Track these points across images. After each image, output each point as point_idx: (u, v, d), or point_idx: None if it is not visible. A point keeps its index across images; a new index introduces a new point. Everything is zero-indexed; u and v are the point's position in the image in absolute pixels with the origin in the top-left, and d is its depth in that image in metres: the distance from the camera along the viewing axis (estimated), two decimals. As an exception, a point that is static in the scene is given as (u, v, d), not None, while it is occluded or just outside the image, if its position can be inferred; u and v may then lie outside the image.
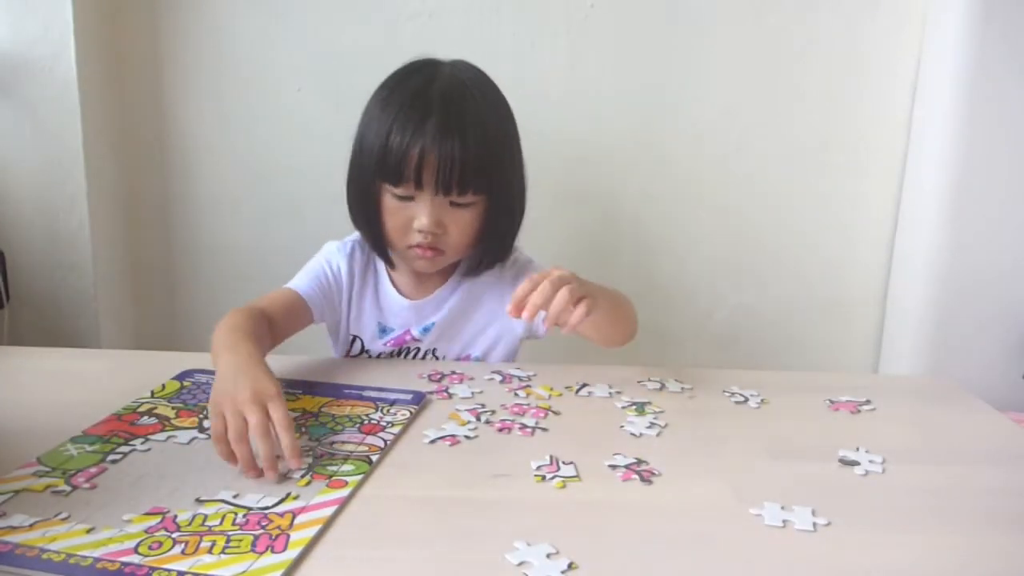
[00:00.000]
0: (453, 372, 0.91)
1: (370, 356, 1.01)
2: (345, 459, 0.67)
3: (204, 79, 1.36)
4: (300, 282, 0.97)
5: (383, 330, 1.00)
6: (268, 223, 1.42)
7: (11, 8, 1.20)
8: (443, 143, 0.85)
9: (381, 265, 1.01)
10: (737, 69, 1.35)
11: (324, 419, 0.75)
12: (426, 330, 1.00)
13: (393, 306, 1.00)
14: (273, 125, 1.37)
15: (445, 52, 1.41)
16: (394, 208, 0.90)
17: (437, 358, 1.01)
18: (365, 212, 0.92)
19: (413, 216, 0.89)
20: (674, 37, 1.34)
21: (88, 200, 1.27)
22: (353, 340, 1.01)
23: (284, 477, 0.63)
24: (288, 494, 0.61)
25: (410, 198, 0.89)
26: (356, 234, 1.01)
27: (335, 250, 1.01)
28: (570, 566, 0.53)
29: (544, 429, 0.76)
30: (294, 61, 1.35)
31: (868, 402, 0.86)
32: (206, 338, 1.43)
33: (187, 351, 1.26)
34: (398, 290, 1.00)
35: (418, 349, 1.00)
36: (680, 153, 1.39)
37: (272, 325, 0.87)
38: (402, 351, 1.00)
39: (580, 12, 1.32)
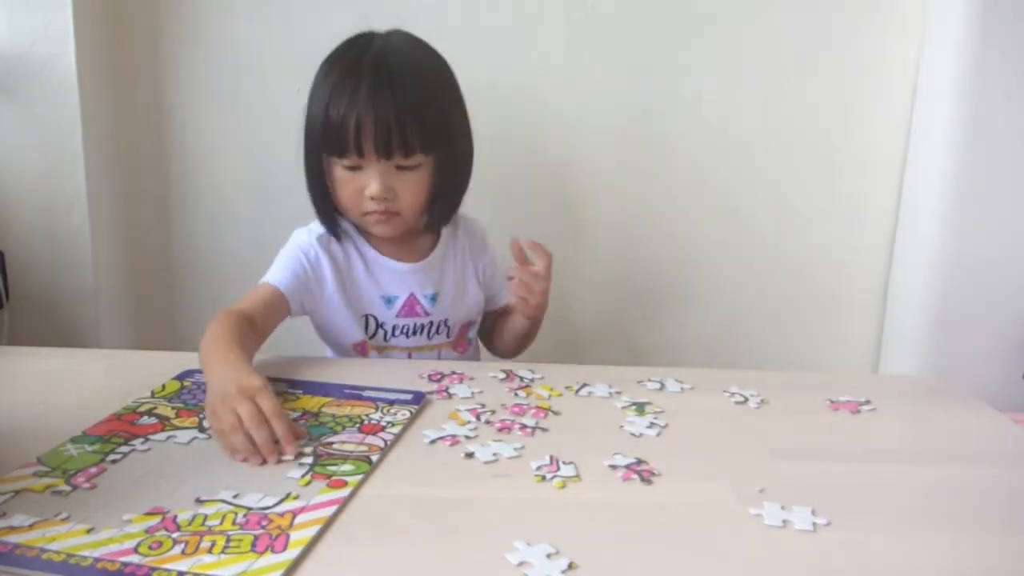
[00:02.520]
0: (453, 372, 0.91)
1: (388, 336, 1.01)
2: (345, 459, 0.67)
3: (204, 79, 1.36)
4: (277, 275, 0.97)
5: (388, 300, 1.01)
6: (268, 223, 1.41)
7: (11, 8, 1.20)
8: (376, 107, 0.87)
9: (362, 239, 1.01)
10: (737, 69, 1.35)
11: (324, 419, 0.75)
12: (432, 300, 1.02)
13: (387, 272, 1.01)
14: (273, 125, 1.37)
15: (445, 52, 1.41)
16: (345, 179, 0.92)
17: (449, 327, 1.03)
18: (317, 185, 0.95)
19: (364, 185, 0.91)
20: (674, 37, 1.34)
21: (88, 200, 1.27)
22: (367, 320, 1.00)
23: (287, 460, 0.66)
24: (288, 494, 0.61)
25: (358, 168, 0.91)
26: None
27: (313, 241, 0.99)
28: (570, 566, 0.53)
29: (544, 429, 0.76)
30: (294, 61, 1.34)
31: (868, 402, 0.86)
32: (206, 338, 1.44)
33: (187, 351, 1.27)
34: (387, 256, 1.01)
35: (431, 323, 1.02)
36: (680, 153, 1.38)
37: (254, 326, 0.88)
38: (421, 328, 1.02)
39: (580, 12, 1.32)
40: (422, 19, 1.33)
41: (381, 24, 1.33)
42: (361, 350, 1.01)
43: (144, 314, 1.45)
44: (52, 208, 1.27)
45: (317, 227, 1.01)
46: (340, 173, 0.92)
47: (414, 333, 1.01)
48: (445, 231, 1.05)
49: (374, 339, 1.01)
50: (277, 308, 0.95)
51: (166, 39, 1.34)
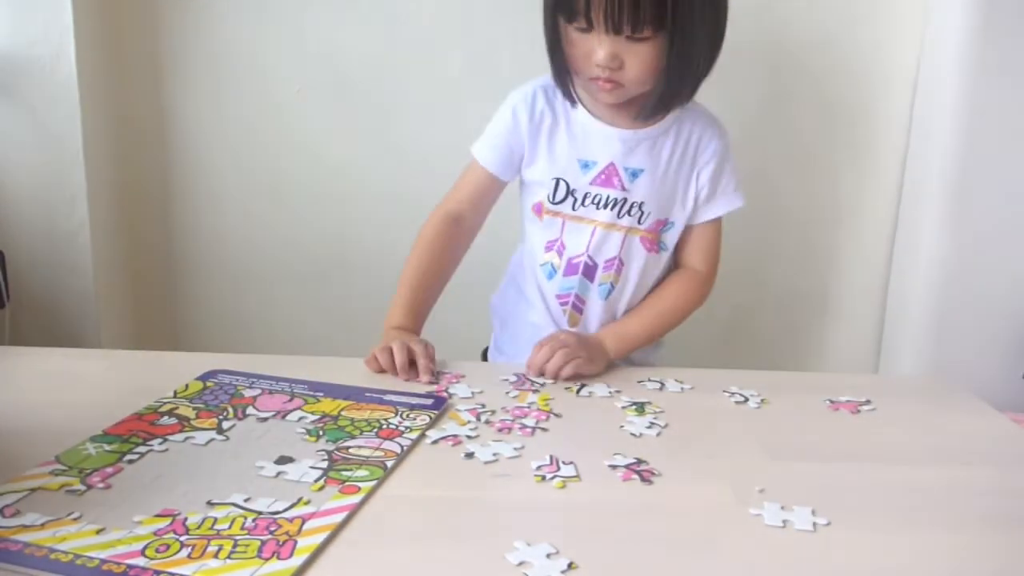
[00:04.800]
0: (450, 372, 0.90)
1: (576, 205, 0.98)
2: (360, 464, 0.67)
3: (204, 79, 1.36)
4: (485, 154, 1.01)
5: (585, 165, 0.98)
6: (269, 223, 1.42)
7: (11, 8, 1.20)
8: None
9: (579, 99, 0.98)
10: (736, 68, 1.34)
11: (343, 422, 0.75)
12: (634, 175, 0.98)
13: (593, 134, 0.98)
14: (273, 125, 1.37)
15: (445, 52, 1.41)
16: (575, 39, 0.90)
17: (643, 212, 0.98)
18: (550, 43, 0.93)
19: (592, 49, 0.88)
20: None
21: (88, 200, 1.27)
22: (557, 184, 0.98)
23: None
24: (300, 499, 0.60)
25: (588, 31, 0.88)
26: (540, 78, 1.00)
27: (518, 102, 1.00)
28: (570, 566, 0.53)
29: (544, 429, 0.76)
30: (294, 61, 1.35)
31: (868, 402, 0.86)
32: (206, 338, 1.45)
33: (188, 352, 1.27)
34: (598, 117, 0.98)
35: (625, 200, 0.98)
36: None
37: (460, 227, 1.02)
38: (614, 202, 0.98)
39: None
40: (422, 20, 1.33)
41: (382, 23, 1.34)
42: (536, 211, 1.01)
43: (144, 314, 1.45)
44: (52, 208, 1.27)
45: (532, 88, 1.00)
46: (572, 34, 0.90)
47: (605, 206, 0.98)
48: (673, 113, 0.99)
49: (561, 205, 0.99)
50: (488, 191, 1.03)
51: (166, 39, 1.34)
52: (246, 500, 0.60)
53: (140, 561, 0.51)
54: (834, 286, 1.44)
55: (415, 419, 0.76)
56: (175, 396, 0.79)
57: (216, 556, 0.52)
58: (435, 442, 0.72)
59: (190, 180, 1.40)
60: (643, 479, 0.66)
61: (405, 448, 0.70)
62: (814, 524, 0.60)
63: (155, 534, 0.54)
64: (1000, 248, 1.30)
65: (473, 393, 0.84)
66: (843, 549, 0.57)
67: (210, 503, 0.59)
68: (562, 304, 1.03)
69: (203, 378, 0.84)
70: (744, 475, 0.68)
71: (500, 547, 0.55)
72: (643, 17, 0.85)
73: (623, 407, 0.82)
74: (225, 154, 1.39)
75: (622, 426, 0.77)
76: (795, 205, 1.41)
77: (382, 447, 0.70)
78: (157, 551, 0.52)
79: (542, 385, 0.88)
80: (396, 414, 0.77)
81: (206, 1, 1.32)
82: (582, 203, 0.98)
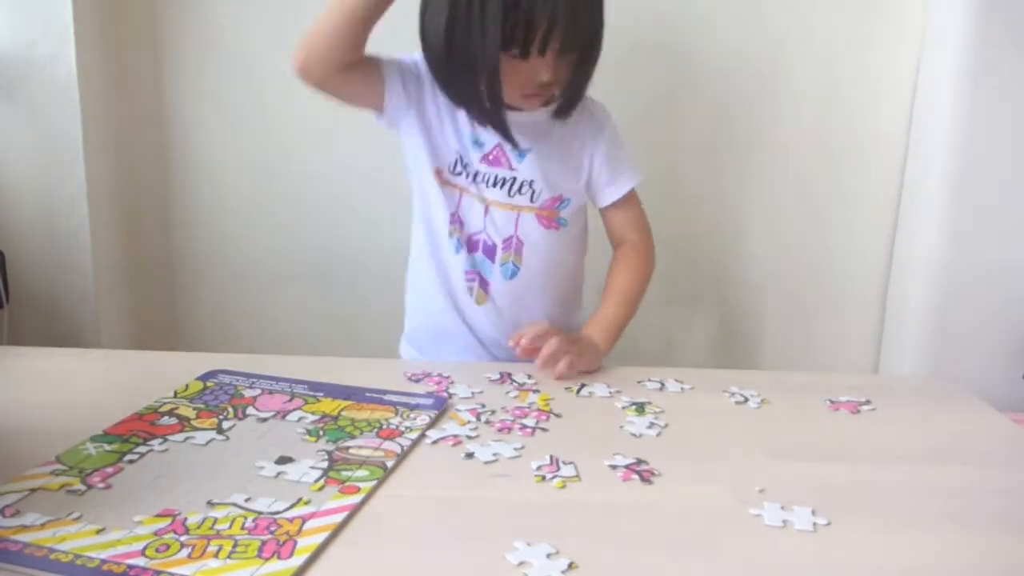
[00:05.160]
0: (440, 374, 0.90)
1: (475, 179, 1.00)
2: (360, 464, 0.67)
3: (204, 79, 1.36)
4: (392, 60, 1.01)
5: (477, 143, 1.00)
6: (268, 223, 1.42)
7: (11, 8, 1.20)
8: (569, 13, 0.88)
9: None
10: (737, 69, 1.35)
11: (343, 422, 0.75)
12: (521, 156, 1.00)
13: None
14: (273, 125, 1.37)
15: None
16: (511, 68, 0.91)
17: (535, 191, 1.00)
18: (475, 75, 0.92)
19: (528, 72, 0.92)
20: (672, 35, 1.34)
21: (88, 200, 1.27)
22: (456, 157, 1.00)
23: None
24: (300, 499, 0.60)
25: (526, 57, 0.91)
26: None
27: (425, 65, 0.99)
28: (570, 566, 0.53)
29: (544, 429, 0.76)
30: (294, 61, 1.35)
31: (868, 402, 0.86)
32: (206, 338, 1.45)
33: (190, 351, 1.27)
34: None
35: (514, 179, 1.00)
36: (679, 152, 1.39)
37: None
38: (503, 181, 1.00)
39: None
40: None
41: (381, 23, 1.34)
42: (438, 176, 1.01)
43: (144, 314, 1.45)
44: (52, 208, 1.27)
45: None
46: (506, 63, 0.91)
47: (495, 184, 1.00)
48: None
49: (460, 176, 1.00)
50: (375, 70, 0.99)
51: (166, 39, 1.34)
52: (246, 500, 0.60)
53: (140, 561, 0.51)
54: (834, 286, 1.44)
55: (415, 419, 0.76)
56: (175, 396, 0.79)
57: (216, 556, 0.52)
58: (435, 442, 0.72)
59: (190, 180, 1.40)
60: (643, 479, 0.66)
61: (405, 448, 0.70)
62: (814, 524, 0.60)
63: (155, 534, 0.54)
64: (1000, 248, 1.30)
65: (473, 393, 0.84)
66: (843, 549, 0.57)
67: (210, 503, 0.59)
68: (469, 281, 1.03)
69: (203, 378, 0.84)
70: (744, 475, 0.68)
71: (500, 547, 0.55)
72: (587, 38, 0.93)
73: (623, 407, 0.82)
74: (225, 154, 1.39)
75: (622, 426, 0.78)
76: (795, 205, 1.41)
77: (382, 447, 0.70)
78: (157, 551, 0.52)
79: (536, 389, 0.88)
80: (396, 414, 0.77)
81: (206, 1, 1.32)
82: (474, 180, 1.00)
